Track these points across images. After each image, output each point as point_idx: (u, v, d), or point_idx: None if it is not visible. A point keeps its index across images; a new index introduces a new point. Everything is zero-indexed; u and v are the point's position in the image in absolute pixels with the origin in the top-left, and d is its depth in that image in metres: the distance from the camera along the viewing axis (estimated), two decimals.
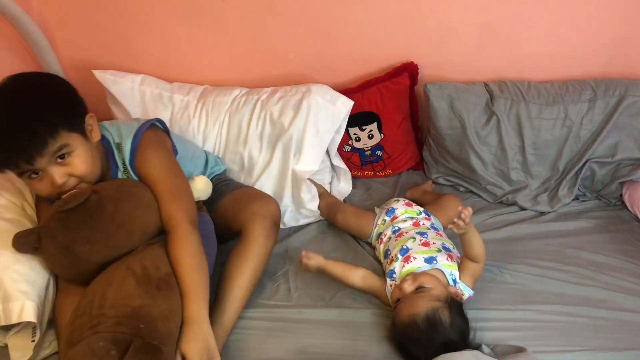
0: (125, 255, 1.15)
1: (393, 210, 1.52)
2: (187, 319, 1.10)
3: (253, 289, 1.31)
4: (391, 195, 1.74)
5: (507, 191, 1.70)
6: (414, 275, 1.26)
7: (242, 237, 1.34)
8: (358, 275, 1.34)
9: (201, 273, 1.16)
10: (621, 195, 1.66)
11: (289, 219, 1.63)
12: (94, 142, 1.23)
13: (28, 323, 1.16)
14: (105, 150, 1.29)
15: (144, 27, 1.76)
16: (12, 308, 1.13)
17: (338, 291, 1.37)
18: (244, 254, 1.31)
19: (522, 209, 1.66)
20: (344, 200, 1.74)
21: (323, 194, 1.68)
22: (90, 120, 1.22)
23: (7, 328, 1.19)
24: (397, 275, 1.31)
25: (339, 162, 1.75)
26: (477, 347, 1.14)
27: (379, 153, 1.81)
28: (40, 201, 1.33)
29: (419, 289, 1.21)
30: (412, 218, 1.48)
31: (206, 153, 1.61)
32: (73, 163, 1.15)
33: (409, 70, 1.70)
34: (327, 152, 1.70)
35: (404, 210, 1.50)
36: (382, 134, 1.78)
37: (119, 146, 1.29)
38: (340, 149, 1.77)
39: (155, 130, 1.35)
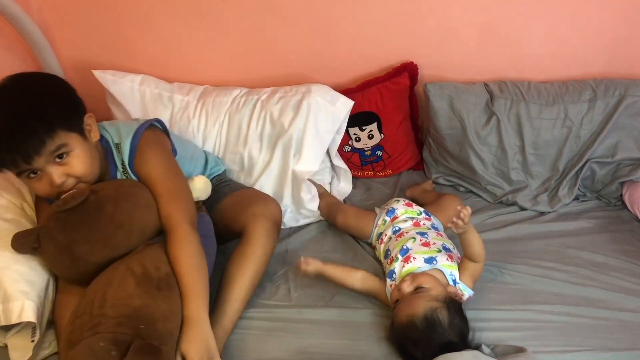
0: (124, 256, 1.15)
1: (393, 210, 1.52)
2: (187, 319, 1.10)
3: (253, 290, 1.31)
4: (391, 195, 1.74)
5: (507, 191, 1.70)
6: (413, 275, 1.25)
7: (243, 239, 1.34)
8: (357, 278, 1.34)
9: (201, 273, 1.16)
10: (621, 195, 1.66)
11: (289, 219, 1.63)
12: (93, 142, 1.23)
13: (28, 323, 1.16)
14: (105, 150, 1.29)
15: (144, 27, 1.76)
16: (12, 308, 1.13)
17: (338, 291, 1.37)
18: (245, 255, 1.31)
19: (522, 209, 1.66)
20: (344, 200, 1.74)
21: (323, 194, 1.68)
22: (89, 120, 1.22)
23: (7, 328, 1.18)
24: (397, 275, 1.31)
25: (339, 162, 1.75)
26: (477, 347, 1.14)
27: (379, 153, 1.81)
28: (39, 201, 1.33)
29: (418, 289, 1.21)
30: (412, 218, 1.48)
31: (206, 153, 1.61)
32: (71, 163, 1.15)
33: (409, 70, 1.70)
34: (328, 152, 1.70)
35: (404, 211, 1.50)
36: (382, 134, 1.78)
37: (118, 146, 1.29)
38: (340, 149, 1.77)
39: (154, 131, 1.35)
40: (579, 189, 1.68)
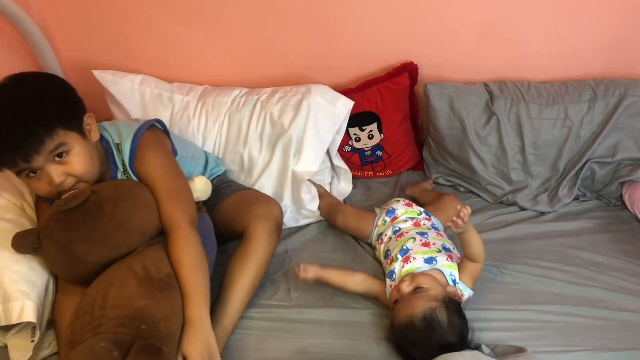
0: (124, 256, 1.15)
1: (393, 210, 1.52)
2: (188, 319, 1.10)
3: (254, 291, 1.31)
4: (391, 195, 1.74)
5: (507, 191, 1.70)
6: (412, 275, 1.25)
7: (244, 240, 1.34)
8: (356, 280, 1.34)
9: (201, 273, 1.16)
10: (621, 195, 1.66)
11: (289, 220, 1.62)
12: (93, 142, 1.23)
13: (28, 323, 1.16)
14: (105, 150, 1.29)
15: (144, 27, 1.76)
16: (12, 308, 1.13)
17: (337, 291, 1.36)
18: (246, 256, 1.31)
19: (522, 209, 1.66)
20: (344, 200, 1.74)
21: (323, 194, 1.68)
22: (88, 120, 1.22)
23: (7, 328, 1.19)
24: (396, 275, 1.31)
25: (339, 162, 1.75)
26: (477, 348, 1.14)
27: (379, 153, 1.81)
28: (39, 201, 1.33)
29: (417, 289, 1.21)
30: (412, 218, 1.48)
31: (206, 154, 1.61)
32: (71, 162, 1.15)
33: (409, 70, 1.70)
34: (328, 152, 1.70)
35: (404, 211, 1.50)
36: (382, 134, 1.78)
37: (118, 146, 1.29)
38: (340, 149, 1.77)
39: (154, 131, 1.35)
40: (579, 189, 1.68)
